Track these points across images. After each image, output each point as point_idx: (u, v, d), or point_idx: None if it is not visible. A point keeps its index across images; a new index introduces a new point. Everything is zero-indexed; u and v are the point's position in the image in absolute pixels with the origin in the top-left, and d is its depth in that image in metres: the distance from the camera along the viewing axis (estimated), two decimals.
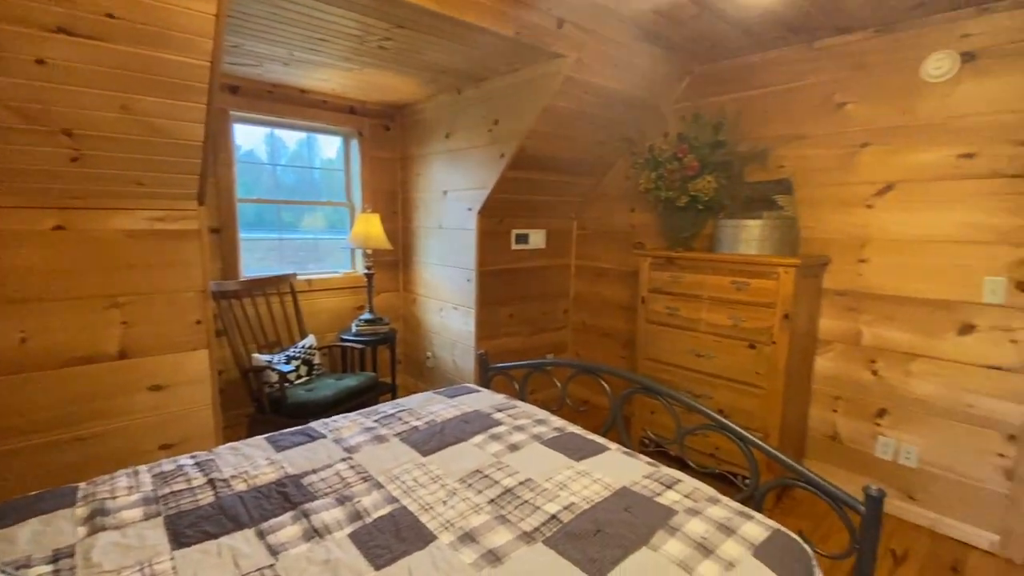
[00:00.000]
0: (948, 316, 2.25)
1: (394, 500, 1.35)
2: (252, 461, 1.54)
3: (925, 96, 2.26)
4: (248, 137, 3.34)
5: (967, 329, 2.21)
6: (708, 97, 2.95)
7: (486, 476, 1.47)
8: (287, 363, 2.84)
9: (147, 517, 1.26)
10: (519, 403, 2.04)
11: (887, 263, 2.41)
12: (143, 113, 1.78)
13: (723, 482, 2.46)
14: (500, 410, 1.93)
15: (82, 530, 1.20)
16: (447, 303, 3.50)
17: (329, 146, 3.73)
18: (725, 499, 1.39)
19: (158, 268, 2.12)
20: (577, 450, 1.63)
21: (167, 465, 1.51)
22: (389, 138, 3.77)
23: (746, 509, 1.34)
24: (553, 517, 1.27)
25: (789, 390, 2.41)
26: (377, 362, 3.49)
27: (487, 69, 2.74)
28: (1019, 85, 2.03)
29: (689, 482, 1.46)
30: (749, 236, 2.51)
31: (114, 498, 1.33)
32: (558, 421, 1.87)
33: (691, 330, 2.67)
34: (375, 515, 1.29)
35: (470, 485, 1.43)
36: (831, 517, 2.26)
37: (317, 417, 2.52)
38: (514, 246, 3.40)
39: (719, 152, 2.69)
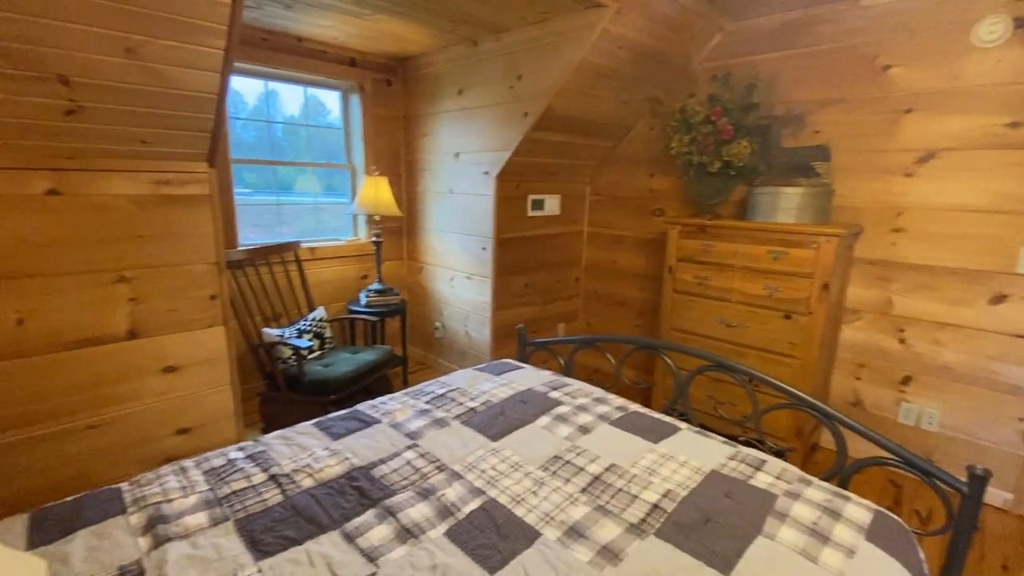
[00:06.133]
0: (981, 286, 2.28)
1: (480, 492, 1.27)
2: (311, 452, 1.42)
3: (975, 61, 2.19)
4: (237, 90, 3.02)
5: (999, 299, 2.24)
6: (740, 56, 2.82)
7: (568, 462, 1.40)
8: (299, 337, 2.66)
9: (214, 522, 1.13)
10: (570, 380, 1.96)
11: (923, 232, 2.40)
12: (151, 58, 1.53)
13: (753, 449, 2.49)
14: (554, 388, 1.85)
15: (144, 542, 1.06)
16: (459, 272, 3.36)
17: (325, 103, 3.42)
18: (815, 479, 1.36)
19: (167, 237, 1.89)
20: (650, 431, 1.57)
21: (216, 459, 1.37)
22: (391, 94, 3.49)
23: (838, 490, 1.32)
24: (655, 507, 1.22)
25: (820, 360, 2.43)
26: (384, 334, 3.35)
27: (513, 18, 2.51)
28: None
29: (774, 463, 1.42)
30: (788, 204, 2.45)
31: (169, 501, 1.19)
32: (617, 400, 1.80)
33: (722, 300, 2.63)
34: (466, 510, 1.20)
35: (555, 473, 1.35)
36: (881, 483, 2.33)
37: (335, 393, 2.41)
38: (530, 212, 3.25)
39: (752, 115, 2.59)
